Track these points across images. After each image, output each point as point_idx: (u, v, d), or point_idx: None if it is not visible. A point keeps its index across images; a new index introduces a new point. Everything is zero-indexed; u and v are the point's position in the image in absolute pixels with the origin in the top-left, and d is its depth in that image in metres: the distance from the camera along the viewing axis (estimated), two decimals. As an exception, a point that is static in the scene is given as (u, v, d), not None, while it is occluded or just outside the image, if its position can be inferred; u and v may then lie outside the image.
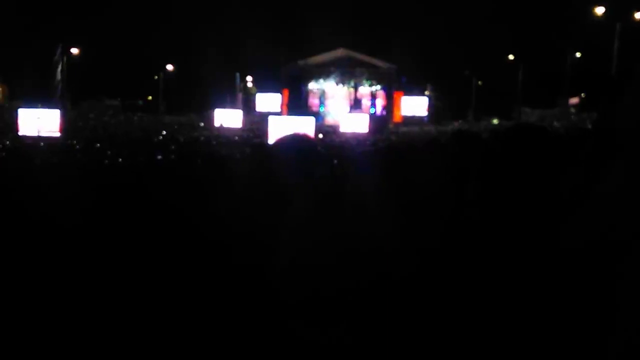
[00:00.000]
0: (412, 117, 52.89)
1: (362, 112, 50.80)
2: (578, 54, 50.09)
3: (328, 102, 54.47)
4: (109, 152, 13.88)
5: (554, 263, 2.39)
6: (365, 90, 54.81)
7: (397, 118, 53.13)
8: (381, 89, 54.55)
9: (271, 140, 21.18)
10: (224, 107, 47.90)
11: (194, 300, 3.27)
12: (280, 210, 3.07)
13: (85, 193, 5.01)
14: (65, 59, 47.65)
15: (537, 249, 2.46)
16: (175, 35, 54.86)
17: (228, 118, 43.89)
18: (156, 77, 55.24)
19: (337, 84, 54.54)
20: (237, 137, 29.98)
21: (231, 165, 4.17)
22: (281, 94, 53.92)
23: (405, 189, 3.84)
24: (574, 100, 49.06)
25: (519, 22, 50.62)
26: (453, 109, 53.51)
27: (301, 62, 54.54)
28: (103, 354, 3.32)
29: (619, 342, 2.15)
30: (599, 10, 41.95)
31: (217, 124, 42.95)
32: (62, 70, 47.20)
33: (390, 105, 53.95)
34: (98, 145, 17.87)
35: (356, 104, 53.99)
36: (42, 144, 20.57)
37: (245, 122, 44.24)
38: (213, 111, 45.30)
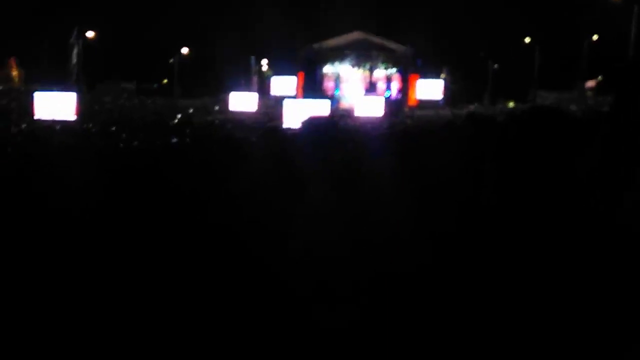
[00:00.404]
0: (428, 101, 52.65)
1: (378, 95, 50.64)
2: (595, 37, 49.69)
3: (343, 86, 54.34)
4: (123, 136, 13.90)
5: (572, 246, 2.38)
6: (380, 73, 54.64)
7: (412, 101, 52.92)
8: (397, 72, 54.35)
9: (286, 123, 21.17)
10: (239, 90, 47.82)
11: (206, 284, 3.27)
12: (294, 194, 3.06)
13: (100, 176, 5.02)
14: (81, 42, 47.74)
15: (553, 231, 2.44)
16: (190, 19, 54.79)
17: (243, 101, 43.80)
18: (171, 60, 55.26)
19: (352, 67, 54.38)
20: (252, 121, 29.96)
21: (246, 148, 4.16)
22: (296, 77, 53.81)
23: (420, 172, 3.82)
24: (591, 84, 48.74)
25: (536, 4, 50.18)
26: (469, 92, 53.23)
27: (316, 45, 54.37)
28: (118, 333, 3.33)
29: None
30: (617, -7, 41.60)
31: (232, 107, 42.88)
32: (77, 54, 47.30)
33: (405, 89, 53.75)
34: (113, 128, 17.88)
35: (371, 87, 53.82)
36: (57, 127, 20.60)
37: (260, 105, 44.17)
38: (228, 94, 45.22)
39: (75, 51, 47.27)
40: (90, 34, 49.89)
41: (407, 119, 36.94)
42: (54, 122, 23.32)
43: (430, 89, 54.03)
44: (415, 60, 54.30)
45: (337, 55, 54.56)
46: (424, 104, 51.77)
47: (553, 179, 2.55)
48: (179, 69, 55.44)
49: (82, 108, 30.01)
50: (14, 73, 49.94)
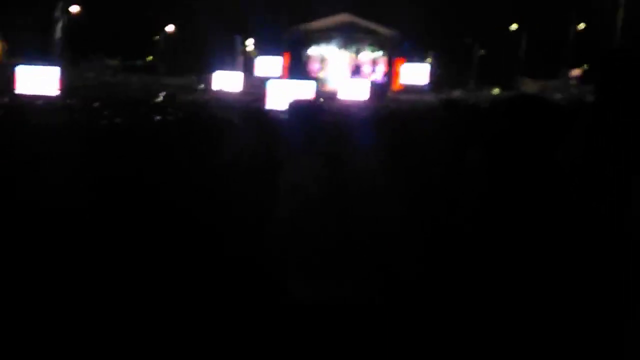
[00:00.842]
0: (413, 86, 52.66)
1: (363, 78, 50.58)
2: (582, 25, 49.79)
3: (328, 68, 54.23)
4: (106, 113, 13.80)
5: (555, 233, 2.39)
6: (366, 56, 54.55)
7: (397, 86, 52.91)
8: (383, 55, 54.29)
9: (270, 104, 21.10)
10: (224, 69, 47.61)
11: (196, 264, 3.27)
12: (276, 178, 3.06)
13: (82, 154, 4.99)
14: (65, 16, 47.33)
15: (535, 220, 2.45)
16: (176, -4, 54.47)
17: (228, 81, 43.60)
18: (156, 37, 54.91)
19: (338, 50, 54.26)
20: (235, 101, 29.85)
21: (229, 130, 4.15)
22: (282, 57, 53.65)
23: (403, 155, 3.83)
24: (576, 72, 48.90)
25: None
26: (454, 78, 53.27)
27: (303, 27, 54.20)
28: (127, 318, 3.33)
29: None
30: (604, -19, 41.67)
31: (216, 86, 42.68)
32: (62, 28, 46.91)
33: (391, 73, 53.73)
34: (96, 105, 17.75)
35: (357, 70, 53.76)
36: (40, 102, 20.43)
37: (245, 85, 44.00)
38: (212, 73, 45.03)
39: (59, 25, 46.88)
40: (74, 8, 49.47)
41: (391, 103, 36.94)
42: (36, 97, 23.14)
43: (415, 73, 54.00)
44: (402, 44, 54.24)
45: (323, 37, 54.42)
46: (409, 89, 51.78)
47: (535, 168, 2.55)
48: (164, 46, 55.11)
49: (65, 83, 29.77)
50: (-3, 46, 49.50)
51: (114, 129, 8.29)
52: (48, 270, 3.47)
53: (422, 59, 54.87)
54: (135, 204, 3.81)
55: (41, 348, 3.26)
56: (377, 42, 54.47)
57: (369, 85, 44.91)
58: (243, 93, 40.41)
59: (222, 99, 30.14)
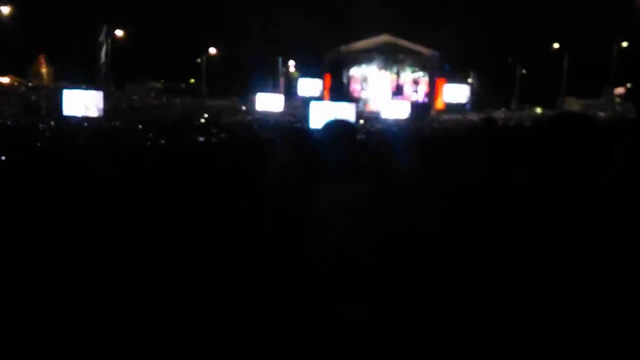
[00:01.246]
0: (454, 105, 52.53)
1: (404, 98, 50.60)
2: (625, 43, 49.26)
3: (370, 89, 54.31)
4: (151, 134, 13.98)
5: (599, 252, 2.37)
6: (407, 76, 54.54)
7: (439, 105, 52.83)
8: (424, 75, 54.23)
9: (313, 125, 21.18)
10: (266, 91, 47.93)
11: (234, 280, 3.30)
12: (318, 193, 3.08)
13: (127, 173, 5.07)
14: (109, 40, 48.07)
15: (579, 237, 2.44)
16: (218, 19, 55.00)
17: (269, 102, 43.92)
18: (199, 60, 55.45)
19: (379, 70, 54.33)
20: (278, 122, 30.01)
21: (271, 148, 4.19)
22: (323, 79, 53.86)
23: (446, 175, 3.83)
24: (620, 90, 48.31)
25: (565, 9, 49.86)
26: (496, 97, 52.95)
27: (343, 48, 54.39)
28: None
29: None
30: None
31: (258, 108, 43.00)
32: (106, 52, 47.63)
33: (432, 92, 53.64)
34: (140, 127, 17.99)
35: (398, 91, 53.78)
36: (85, 124, 20.76)
37: (286, 106, 44.26)
38: (255, 95, 45.37)
39: (103, 50, 47.61)
40: (119, 32, 50.23)
41: (433, 123, 36.88)
42: (82, 120, 23.51)
43: (456, 93, 53.88)
44: (443, 64, 54.16)
45: (363, 58, 54.55)
46: (450, 108, 51.67)
47: (579, 185, 2.54)
48: (207, 68, 55.60)
49: (110, 106, 30.21)
50: (44, 70, 50.33)
51: (159, 150, 8.40)
52: (104, 284, 3.54)
53: (463, 79, 54.68)
54: (178, 223, 3.86)
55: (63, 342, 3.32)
56: (418, 63, 54.45)
57: (410, 105, 44.95)
58: (284, 114, 40.65)
59: (264, 120, 30.33)
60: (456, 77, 54.09)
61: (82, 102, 27.28)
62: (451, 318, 2.77)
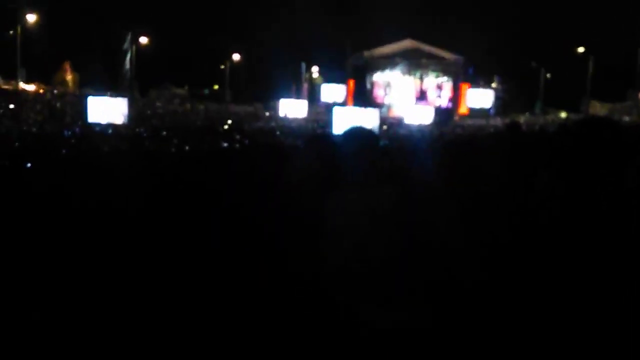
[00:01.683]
0: (478, 110, 52.35)
1: (428, 104, 50.54)
2: (650, 47, 48.85)
3: (393, 94, 54.26)
4: (175, 141, 14.05)
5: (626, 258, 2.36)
6: (431, 81, 54.43)
7: (462, 110, 52.67)
8: (447, 80, 54.11)
9: (336, 131, 21.21)
10: (289, 97, 48.09)
11: (248, 284, 3.31)
12: (339, 200, 3.08)
13: (151, 179, 5.09)
14: (134, 47, 48.41)
15: (602, 241, 2.42)
16: (242, 25, 55.20)
17: (293, 108, 44.06)
18: (222, 66, 55.68)
19: (402, 75, 54.27)
20: (301, 128, 30.10)
21: (293, 155, 4.19)
22: (346, 84, 53.90)
23: (471, 181, 3.81)
24: (645, 94, 47.89)
25: (589, 13, 49.53)
26: (520, 102, 52.69)
27: (367, 53, 54.40)
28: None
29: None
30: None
31: (282, 114, 43.15)
32: (130, 59, 47.98)
33: (456, 97, 53.49)
34: (164, 133, 18.10)
35: (421, 96, 53.70)
36: (110, 131, 20.93)
37: (309, 112, 44.37)
38: (278, 101, 45.51)
39: (128, 57, 47.97)
40: (143, 40, 50.58)
41: (457, 128, 36.78)
42: (107, 126, 23.69)
43: (480, 98, 53.68)
44: (466, 69, 54.00)
45: (387, 63, 54.53)
46: (474, 113, 51.51)
47: (604, 190, 2.52)
48: (230, 75, 55.83)
49: (134, 113, 30.43)
50: (69, 77, 50.78)
51: (183, 156, 8.43)
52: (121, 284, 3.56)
53: (487, 84, 54.48)
54: (201, 230, 3.87)
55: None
56: (441, 68, 54.33)
57: (434, 110, 44.90)
58: (308, 120, 40.76)
59: (287, 126, 30.40)
60: (480, 81, 53.89)
61: (106, 109, 27.51)
62: (474, 325, 2.76)
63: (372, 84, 54.93)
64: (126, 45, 47.82)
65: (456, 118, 49.85)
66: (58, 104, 38.10)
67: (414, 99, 52.80)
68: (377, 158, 3.20)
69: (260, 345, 3.14)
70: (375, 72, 54.86)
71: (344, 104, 47.70)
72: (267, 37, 51.73)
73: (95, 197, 4.32)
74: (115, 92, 39.87)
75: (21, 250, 3.74)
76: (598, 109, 46.34)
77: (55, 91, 44.75)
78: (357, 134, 3.26)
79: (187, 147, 11.60)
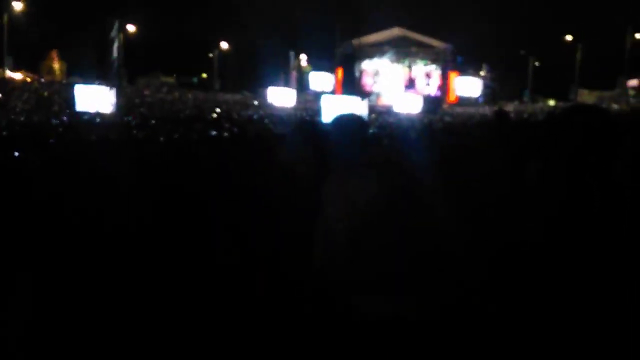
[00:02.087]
0: (467, 98, 52.40)
1: (416, 92, 50.54)
2: (638, 35, 48.97)
3: (382, 82, 54.24)
4: (163, 129, 13.99)
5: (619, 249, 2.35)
6: (419, 70, 54.43)
7: (451, 99, 52.71)
8: (436, 68, 54.11)
9: (325, 119, 21.19)
10: (278, 85, 48.01)
11: (239, 277, 3.30)
12: (328, 187, 3.07)
13: (140, 168, 5.07)
14: (121, 35, 48.19)
15: (589, 233, 2.42)
16: (230, 13, 55.01)
17: (281, 96, 43.98)
18: (211, 54, 55.53)
19: (391, 63, 54.24)
20: (290, 116, 30.04)
21: (280, 143, 4.18)
22: (335, 73, 53.83)
23: (459, 168, 3.81)
24: (634, 82, 48.06)
25: (578, 1, 49.60)
26: (509, 90, 52.79)
27: (355, 41, 54.32)
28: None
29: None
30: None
31: (270, 102, 43.08)
32: (118, 47, 47.76)
33: (445, 86, 53.52)
34: (153, 121, 18.03)
35: (410, 84, 53.70)
36: (98, 120, 20.83)
37: (298, 101, 44.32)
38: (267, 89, 45.44)
39: (115, 45, 47.73)
40: (131, 28, 50.35)
41: (446, 117, 36.82)
42: (95, 115, 23.58)
43: (469, 86, 53.73)
44: (455, 57, 54.01)
45: (375, 51, 54.48)
46: (463, 101, 51.57)
47: (590, 180, 2.52)
48: (219, 63, 55.69)
49: (122, 101, 30.27)
50: (56, 66, 50.60)
51: (172, 144, 8.41)
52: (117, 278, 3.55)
53: (476, 72, 54.51)
54: (189, 218, 3.86)
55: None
56: (430, 56, 54.34)
57: (422, 98, 44.90)
58: (297, 108, 40.69)
59: (276, 114, 30.35)
60: (469, 70, 53.93)
61: (94, 98, 27.34)
62: (469, 312, 2.76)
63: (361, 72, 54.90)
64: (113, 33, 47.54)
65: (445, 106, 49.86)
66: (45, 93, 37.86)
67: (402, 87, 52.78)
68: (366, 145, 3.19)
69: (258, 344, 3.13)
70: (364, 60, 54.83)
71: (332, 92, 47.66)
72: (255, 25, 51.61)
73: (84, 188, 4.30)
74: (103, 80, 39.69)
75: (10, 242, 3.72)
76: (587, 96, 46.49)
77: (43, 80, 44.53)
78: (346, 121, 3.24)
79: (175, 136, 11.55)
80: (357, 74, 54.53)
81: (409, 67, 54.39)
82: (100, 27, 47.90)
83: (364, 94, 43.63)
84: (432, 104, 47.11)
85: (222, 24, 55.36)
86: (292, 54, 55.88)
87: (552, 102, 46.87)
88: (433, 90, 53.75)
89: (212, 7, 55.95)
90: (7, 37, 43.56)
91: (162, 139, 9.98)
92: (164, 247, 3.72)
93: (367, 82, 54.54)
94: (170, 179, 4.65)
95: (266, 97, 44.50)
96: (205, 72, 59.91)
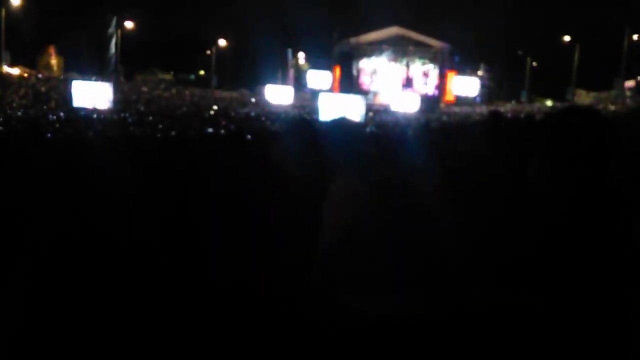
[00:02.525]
0: (464, 98, 52.43)
1: (414, 91, 50.54)
2: (635, 36, 49.03)
3: (379, 81, 54.25)
4: (160, 126, 14.00)
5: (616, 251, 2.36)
6: (417, 69, 54.44)
7: (448, 98, 52.73)
8: (434, 68, 54.12)
9: (322, 117, 21.19)
10: (275, 83, 48.00)
11: (235, 275, 3.30)
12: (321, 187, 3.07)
13: (136, 164, 5.08)
14: (119, 32, 48.18)
15: (585, 233, 2.43)
16: (228, 11, 55.02)
17: (279, 94, 43.95)
18: (208, 52, 55.51)
19: (389, 62, 54.25)
20: (287, 114, 30.05)
21: (278, 141, 4.18)
22: (332, 71, 53.82)
23: (456, 168, 3.82)
24: (630, 83, 48.12)
25: (576, 1, 49.67)
26: (506, 90, 52.86)
27: (353, 40, 54.32)
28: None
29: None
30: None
31: (268, 100, 43.06)
32: (116, 43, 47.74)
33: (442, 85, 53.53)
34: (150, 118, 18.04)
35: (408, 83, 53.71)
36: (95, 116, 20.82)
37: (296, 98, 44.31)
38: (264, 87, 45.42)
39: (113, 41, 47.72)
40: (128, 24, 50.31)
41: (443, 116, 36.84)
42: (92, 111, 23.56)
43: (466, 86, 53.74)
44: (453, 57, 54.04)
45: (373, 50, 54.48)
46: (460, 101, 51.59)
47: (588, 180, 2.52)
48: (217, 60, 55.69)
49: (120, 97, 30.27)
50: (53, 61, 50.52)
51: (169, 141, 8.41)
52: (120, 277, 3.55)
53: (473, 72, 54.55)
54: (185, 216, 3.87)
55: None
56: (428, 55, 54.33)
57: (420, 97, 44.91)
58: (294, 106, 40.69)
59: (273, 112, 30.36)
60: (466, 69, 53.95)
61: (91, 94, 27.32)
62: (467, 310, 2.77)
63: (359, 71, 54.88)
64: (111, 29, 47.54)
65: (442, 106, 49.88)
66: (43, 88, 37.83)
67: (400, 86, 52.77)
68: (361, 148, 3.19)
69: (258, 344, 3.14)
70: (362, 58, 54.80)
71: (330, 90, 47.64)
72: (253, 23, 51.62)
73: (79, 181, 4.31)
74: (101, 76, 39.69)
75: (6, 237, 3.73)
76: (584, 97, 46.55)
77: (40, 75, 44.47)
78: (340, 126, 3.25)
79: (173, 133, 11.56)
80: (354, 72, 54.51)
81: (407, 66, 54.38)
82: (98, 23, 47.92)
83: (361, 92, 43.61)
84: (429, 103, 47.13)
85: (220, 21, 55.42)
86: (290, 51, 55.88)
87: (549, 103, 46.92)
88: (430, 89, 53.75)
89: (210, 4, 55.99)
90: (5, 32, 43.48)
91: (159, 135, 9.99)
92: (162, 245, 3.73)
93: (365, 80, 54.53)
94: (168, 178, 4.66)
95: (264, 94, 44.48)
96: (202, 69, 59.92)
